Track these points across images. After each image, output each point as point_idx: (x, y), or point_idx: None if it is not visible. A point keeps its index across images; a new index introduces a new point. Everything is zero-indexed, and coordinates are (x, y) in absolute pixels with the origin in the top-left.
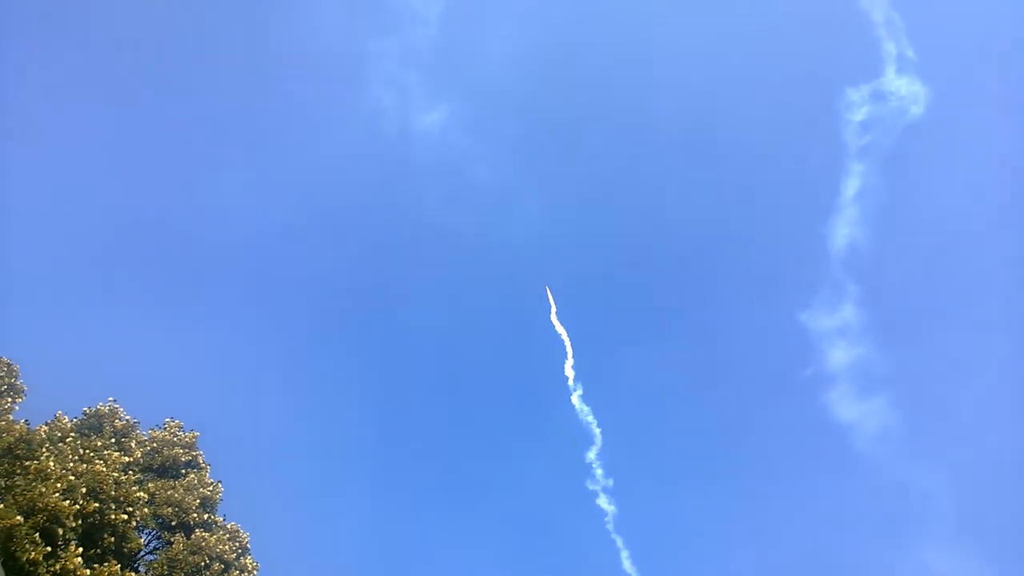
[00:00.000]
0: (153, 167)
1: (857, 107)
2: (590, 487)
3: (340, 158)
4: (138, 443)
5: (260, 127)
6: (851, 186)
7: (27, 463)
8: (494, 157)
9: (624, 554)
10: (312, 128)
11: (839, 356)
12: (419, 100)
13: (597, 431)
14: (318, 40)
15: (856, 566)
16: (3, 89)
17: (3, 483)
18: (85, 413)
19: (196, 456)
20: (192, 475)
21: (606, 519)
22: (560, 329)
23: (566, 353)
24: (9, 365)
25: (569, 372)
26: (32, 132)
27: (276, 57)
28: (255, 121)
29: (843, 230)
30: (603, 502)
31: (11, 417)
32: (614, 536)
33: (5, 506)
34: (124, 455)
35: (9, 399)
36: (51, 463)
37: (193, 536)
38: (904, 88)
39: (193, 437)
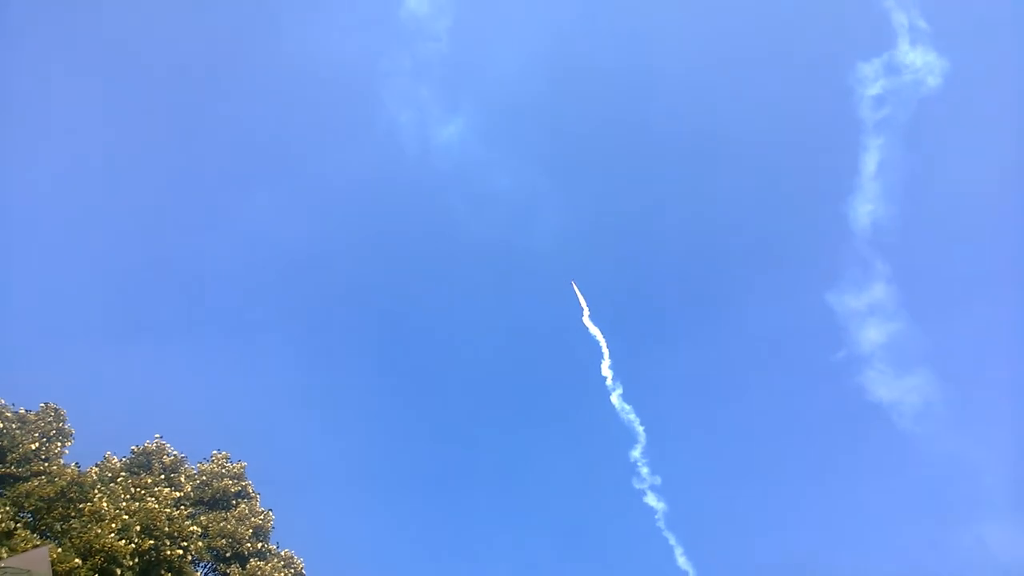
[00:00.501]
0: (182, 199)
1: (871, 81)
2: (636, 486)
3: (363, 178)
4: (187, 477)
5: (279, 151)
6: (871, 162)
7: (81, 505)
8: (513, 164)
9: (678, 551)
10: (333, 150)
11: (872, 335)
12: (435, 114)
13: (640, 429)
14: (331, 63)
15: (911, 546)
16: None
17: (59, 527)
18: (133, 451)
19: (245, 486)
20: (243, 505)
21: (656, 517)
22: (594, 330)
23: (602, 354)
24: (56, 410)
25: (607, 372)
26: (60, 173)
27: (288, 79)
28: (274, 146)
29: (866, 207)
30: (651, 500)
31: (62, 461)
32: (666, 533)
33: (63, 550)
34: (175, 490)
35: (59, 443)
36: (104, 504)
37: (248, 566)
38: (919, 60)
39: (241, 467)
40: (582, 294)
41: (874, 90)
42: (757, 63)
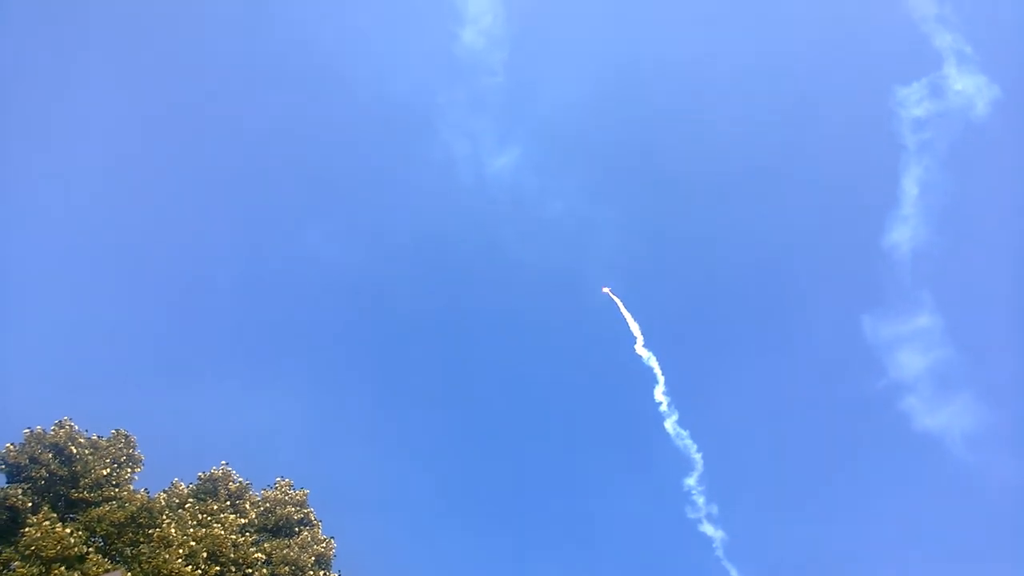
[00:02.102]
0: (243, 230)
1: (913, 105)
2: (690, 515)
3: (419, 208)
4: (252, 504)
5: (339, 183)
6: (912, 187)
7: (150, 531)
8: (568, 192)
9: None
10: (391, 181)
11: (918, 362)
12: (490, 145)
13: (697, 456)
14: (390, 98)
15: None
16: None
17: (129, 552)
18: (200, 478)
19: (308, 513)
20: (305, 532)
21: (714, 546)
22: (648, 356)
23: (656, 380)
24: (127, 437)
25: (661, 398)
26: (124, 205)
27: (348, 114)
28: (333, 177)
29: (905, 234)
30: (708, 529)
31: (131, 487)
32: (726, 564)
33: (133, 574)
34: (240, 517)
35: (129, 470)
36: (172, 529)
37: None
38: (966, 84)
39: (303, 495)
40: (634, 318)
41: (918, 112)
42: (803, 88)
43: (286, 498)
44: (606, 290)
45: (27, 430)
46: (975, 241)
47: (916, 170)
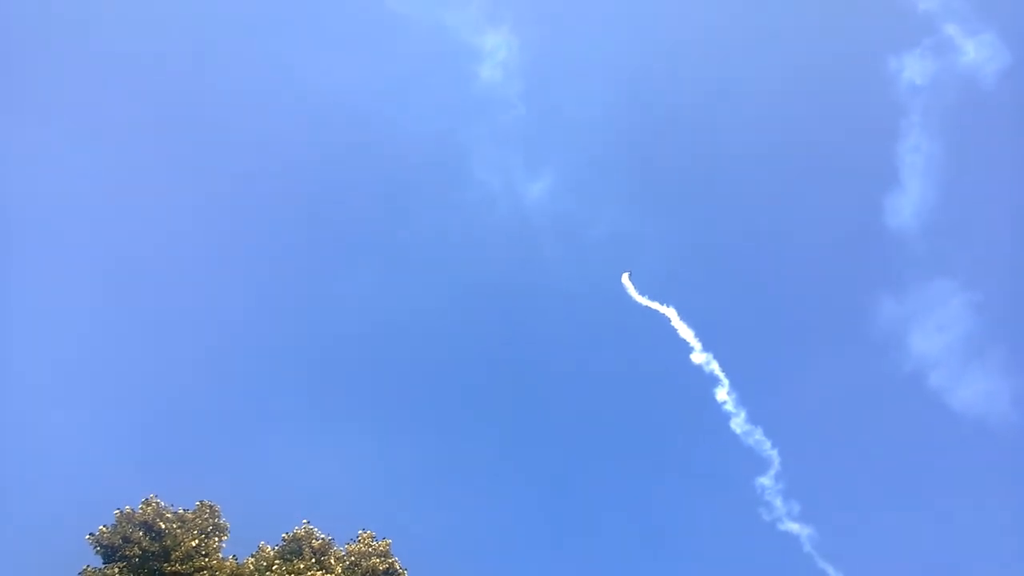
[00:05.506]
0: (298, 281)
1: (911, 71)
2: (765, 517)
3: (462, 248)
4: (337, 559)
5: (382, 233)
6: (918, 159)
7: None
8: (608, 210)
9: None
10: (431, 225)
11: (945, 338)
12: (522, 176)
13: (773, 452)
14: (417, 144)
15: None
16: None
17: None
18: (284, 539)
19: (392, 563)
20: None
21: (803, 543)
22: (707, 359)
23: (720, 383)
24: (211, 507)
25: (725, 398)
26: (189, 268)
27: (378, 163)
28: (377, 229)
29: (908, 209)
30: (793, 527)
31: (220, 555)
32: (821, 564)
33: None
34: (327, 573)
35: (216, 538)
36: None
37: None
38: (974, 49)
39: (386, 545)
40: (688, 326)
41: (917, 81)
42: (814, 63)
43: (370, 550)
44: (625, 277)
45: (117, 511)
46: (983, 210)
47: (918, 139)
